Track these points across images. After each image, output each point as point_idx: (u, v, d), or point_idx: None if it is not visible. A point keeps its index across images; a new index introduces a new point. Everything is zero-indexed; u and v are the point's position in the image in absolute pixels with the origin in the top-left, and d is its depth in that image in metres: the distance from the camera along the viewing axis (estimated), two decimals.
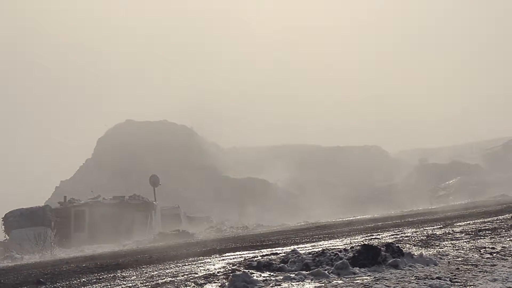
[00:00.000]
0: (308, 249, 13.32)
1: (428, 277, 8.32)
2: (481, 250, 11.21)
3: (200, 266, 12.31)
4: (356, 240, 15.89)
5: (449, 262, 9.89)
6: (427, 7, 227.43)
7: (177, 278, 10.43)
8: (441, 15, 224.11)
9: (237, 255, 14.70)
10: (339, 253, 10.18)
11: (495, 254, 10.58)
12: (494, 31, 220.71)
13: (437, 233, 16.27)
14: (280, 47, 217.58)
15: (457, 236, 14.72)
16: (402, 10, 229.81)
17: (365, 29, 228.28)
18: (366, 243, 11.68)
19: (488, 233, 14.85)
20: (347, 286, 8.00)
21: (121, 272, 13.01)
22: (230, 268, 10.92)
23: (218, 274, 10.27)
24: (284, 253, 11.92)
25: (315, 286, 8.17)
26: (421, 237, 15.12)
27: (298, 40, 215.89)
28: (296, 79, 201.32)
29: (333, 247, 12.78)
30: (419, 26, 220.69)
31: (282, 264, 10.31)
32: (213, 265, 12.36)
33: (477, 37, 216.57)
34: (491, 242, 12.49)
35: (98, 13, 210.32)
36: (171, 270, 12.23)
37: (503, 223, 17.80)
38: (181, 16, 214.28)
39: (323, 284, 8.28)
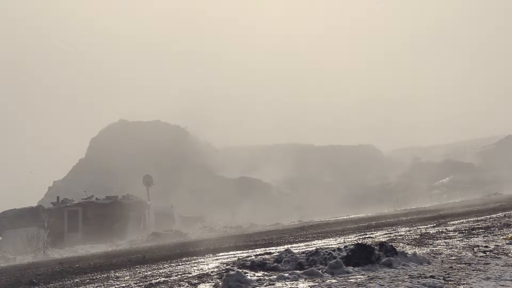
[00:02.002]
0: (302, 248, 13.32)
1: (422, 276, 8.33)
2: (474, 249, 11.23)
3: (194, 266, 12.30)
4: (350, 239, 15.90)
5: (442, 260, 9.90)
6: (423, 7, 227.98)
7: (171, 278, 10.41)
8: (436, 17, 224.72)
9: (230, 254, 14.69)
10: (332, 252, 10.18)
11: (488, 252, 10.60)
12: (492, 31, 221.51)
13: (431, 231, 16.29)
14: (275, 48, 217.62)
15: (451, 234, 14.75)
16: (397, 12, 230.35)
17: (360, 31, 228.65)
18: (359, 242, 11.69)
19: (482, 231, 14.88)
20: (341, 285, 8.00)
21: (115, 272, 12.99)
22: (223, 268, 10.91)
23: (212, 274, 10.26)
24: (277, 252, 11.92)
25: (309, 286, 8.16)
26: (415, 236, 15.14)
27: (293, 41, 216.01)
28: (290, 79, 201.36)
29: (327, 246, 12.78)
30: (413, 28, 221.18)
31: (276, 264, 10.31)
32: (206, 265, 12.35)
33: (473, 38, 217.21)
34: (485, 241, 12.52)
35: (92, 13, 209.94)
36: (164, 270, 12.21)
37: (496, 222, 17.84)
38: (176, 17, 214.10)
39: (317, 284, 8.27)
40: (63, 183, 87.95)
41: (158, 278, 10.57)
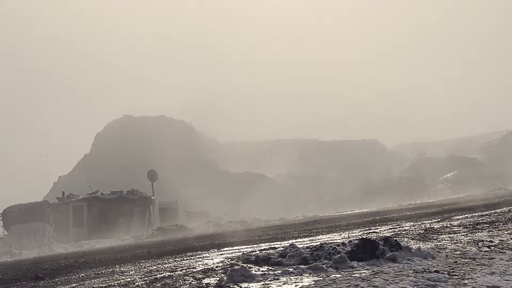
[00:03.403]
0: (306, 243, 13.34)
1: (426, 270, 8.34)
2: (479, 244, 11.24)
3: (199, 261, 12.33)
4: (354, 234, 15.91)
5: (447, 255, 9.91)
6: (427, 7, 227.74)
7: (176, 272, 10.44)
8: (443, 12, 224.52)
9: (235, 249, 14.71)
10: (337, 247, 10.20)
11: (493, 247, 10.61)
12: (494, 28, 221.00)
13: (435, 226, 16.30)
14: (278, 43, 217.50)
15: (455, 229, 14.75)
16: (405, 6, 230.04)
17: (365, 25, 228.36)
18: (364, 237, 11.70)
19: (486, 226, 14.88)
20: (345, 280, 8.01)
21: (120, 267, 13.02)
22: (228, 263, 10.93)
23: (217, 269, 10.28)
24: (282, 247, 11.94)
25: (313, 280, 8.18)
26: (419, 231, 15.14)
27: (296, 36, 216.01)
28: (293, 74, 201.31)
29: (331, 241, 12.80)
30: (420, 23, 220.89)
31: (280, 259, 10.33)
32: (211, 259, 12.37)
33: (477, 33, 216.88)
34: (489, 235, 12.52)
35: (98, 10, 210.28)
36: (169, 264, 12.24)
37: (500, 216, 17.84)
38: (180, 15, 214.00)
39: (321, 278, 8.29)
40: (68, 178, 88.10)
41: (163, 273, 10.60)
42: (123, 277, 10.82)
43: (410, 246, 10.39)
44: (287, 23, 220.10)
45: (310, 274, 8.80)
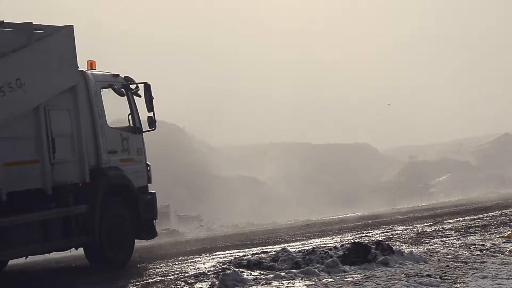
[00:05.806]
0: (298, 248, 13.31)
1: (418, 274, 8.33)
2: (471, 247, 11.25)
3: (190, 265, 12.28)
4: (346, 238, 15.89)
5: (439, 259, 9.91)
6: (424, 7, 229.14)
7: (167, 277, 10.40)
8: (434, 16, 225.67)
9: (227, 254, 14.66)
10: (329, 251, 10.19)
11: (485, 251, 10.62)
12: (490, 32, 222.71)
13: (427, 230, 16.30)
14: (271, 46, 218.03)
15: (447, 233, 14.76)
16: (394, 12, 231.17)
17: (358, 29, 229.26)
18: (356, 241, 11.71)
19: (478, 230, 14.90)
20: (337, 284, 8.00)
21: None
22: (220, 267, 10.89)
23: (209, 273, 10.24)
24: (274, 251, 11.90)
25: (305, 285, 8.16)
26: (411, 235, 15.14)
27: (289, 38, 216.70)
28: (286, 77, 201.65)
29: (323, 245, 12.77)
30: (412, 27, 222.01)
31: (273, 263, 10.30)
32: (203, 264, 12.33)
33: (470, 35, 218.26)
34: (481, 239, 12.54)
35: (89, 10, 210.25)
36: (161, 269, 12.19)
37: (492, 220, 17.87)
38: (171, 15, 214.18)
39: (313, 283, 8.27)
40: None
41: (154, 278, 10.55)
42: (115, 282, 10.77)
43: (402, 250, 10.39)
44: (279, 25, 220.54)
45: (302, 278, 8.78)
